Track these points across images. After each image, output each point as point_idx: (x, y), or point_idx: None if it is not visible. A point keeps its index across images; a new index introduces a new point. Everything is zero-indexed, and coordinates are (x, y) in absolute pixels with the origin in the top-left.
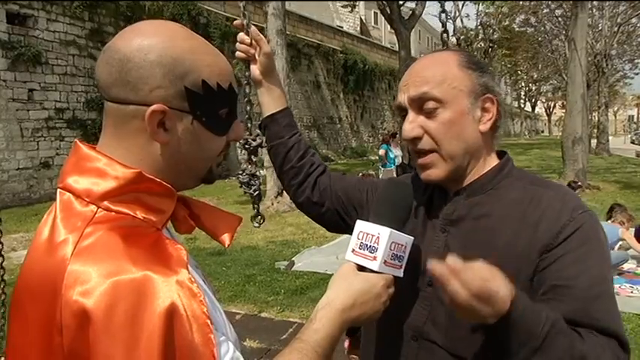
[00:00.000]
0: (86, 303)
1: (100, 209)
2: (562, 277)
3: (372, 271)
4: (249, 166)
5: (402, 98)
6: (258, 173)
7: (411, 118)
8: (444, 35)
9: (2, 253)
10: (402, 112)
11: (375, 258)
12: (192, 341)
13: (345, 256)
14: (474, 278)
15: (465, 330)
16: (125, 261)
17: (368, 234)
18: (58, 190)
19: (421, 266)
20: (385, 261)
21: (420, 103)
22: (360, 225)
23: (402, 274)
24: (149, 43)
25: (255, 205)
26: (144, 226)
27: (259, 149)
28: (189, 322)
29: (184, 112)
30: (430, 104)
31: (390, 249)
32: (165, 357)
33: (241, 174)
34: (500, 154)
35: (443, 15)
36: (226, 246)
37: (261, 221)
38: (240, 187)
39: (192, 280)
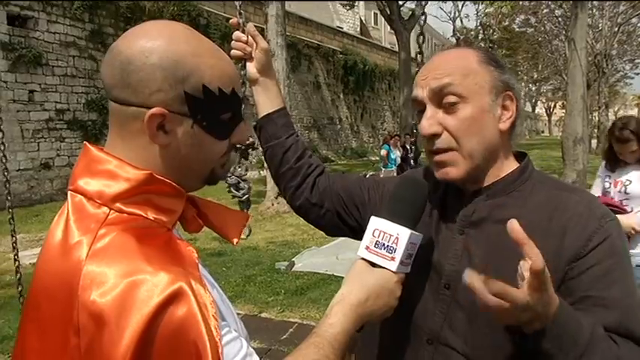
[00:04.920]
0: (103, 303)
1: (112, 211)
2: (594, 288)
3: (388, 270)
4: (239, 168)
5: (421, 92)
6: (248, 176)
7: (430, 113)
8: (420, 38)
9: (16, 252)
10: (418, 107)
11: (393, 258)
12: (202, 344)
13: (346, 255)
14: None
15: (487, 337)
16: (140, 261)
17: (385, 233)
18: (69, 192)
19: (437, 268)
20: (402, 261)
21: (440, 97)
22: (376, 222)
23: (408, 271)
24: (151, 45)
25: (244, 211)
26: (155, 227)
27: (251, 151)
28: (199, 321)
29: (184, 116)
30: (451, 98)
31: (407, 249)
32: (173, 357)
33: (230, 176)
34: (519, 156)
35: (422, 18)
36: (235, 244)
37: (247, 232)
38: (228, 190)
39: (203, 282)
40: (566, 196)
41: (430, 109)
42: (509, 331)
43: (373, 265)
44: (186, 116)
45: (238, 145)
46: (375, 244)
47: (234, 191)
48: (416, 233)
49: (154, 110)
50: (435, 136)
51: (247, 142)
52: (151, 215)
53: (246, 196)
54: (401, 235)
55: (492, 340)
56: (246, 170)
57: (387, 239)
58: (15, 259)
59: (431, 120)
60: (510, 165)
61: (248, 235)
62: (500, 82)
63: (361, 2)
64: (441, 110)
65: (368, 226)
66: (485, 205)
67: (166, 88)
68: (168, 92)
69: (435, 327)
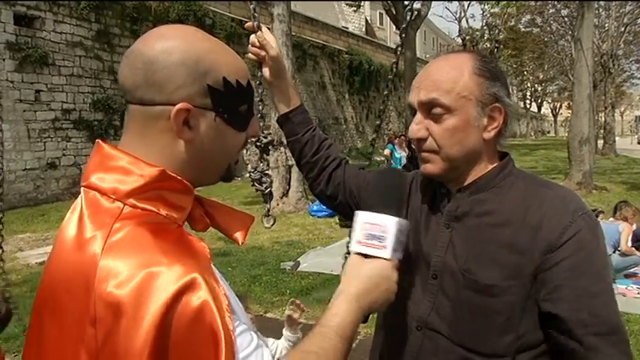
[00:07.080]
0: (120, 294)
1: (126, 206)
2: (566, 278)
3: (382, 259)
4: (261, 164)
5: (413, 99)
6: (269, 172)
7: (418, 119)
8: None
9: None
10: (412, 110)
11: (384, 247)
12: (217, 332)
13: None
14: None
15: (467, 321)
16: (156, 253)
17: (373, 224)
18: (83, 188)
19: (426, 260)
20: (394, 248)
21: (428, 108)
22: (363, 216)
23: (401, 256)
24: (171, 44)
25: (267, 204)
26: (167, 223)
27: (270, 147)
28: (213, 310)
29: (207, 110)
30: (438, 110)
31: (397, 236)
32: (190, 344)
33: (253, 171)
34: (502, 154)
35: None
36: (240, 244)
37: (272, 221)
38: (252, 184)
39: (215, 276)
40: (543, 191)
41: (419, 116)
42: None
43: (367, 256)
44: (209, 109)
45: (259, 143)
46: (366, 236)
47: (257, 185)
48: (402, 220)
49: (180, 105)
50: (422, 139)
51: (267, 140)
52: (163, 211)
53: (269, 189)
54: (388, 223)
55: (472, 325)
56: (268, 166)
57: (376, 229)
58: None
59: (419, 125)
60: (493, 164)
61: (272, 224)
62: (489, 95)
63: (367, 2)
64: (429, 117)
65: (356, 222)
66: (467, 201)
67: (190, 83)
68: (192, 87)
69: (424, 314)
